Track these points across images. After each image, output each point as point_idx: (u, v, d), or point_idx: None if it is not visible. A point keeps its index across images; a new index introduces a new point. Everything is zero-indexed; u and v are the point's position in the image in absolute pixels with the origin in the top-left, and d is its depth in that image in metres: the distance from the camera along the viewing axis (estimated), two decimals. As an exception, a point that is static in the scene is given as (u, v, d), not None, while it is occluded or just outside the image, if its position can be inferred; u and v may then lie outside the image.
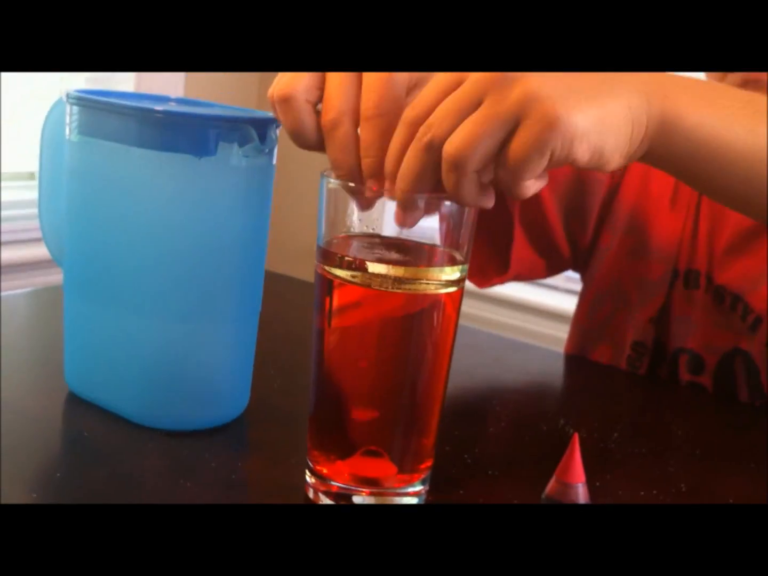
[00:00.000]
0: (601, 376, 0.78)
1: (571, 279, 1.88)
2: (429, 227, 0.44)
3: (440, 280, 0.44)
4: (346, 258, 0.44)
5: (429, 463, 0.47)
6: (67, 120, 0.54)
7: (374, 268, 0.43)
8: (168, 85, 2.00)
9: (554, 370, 0.76)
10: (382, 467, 0.46)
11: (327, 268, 0.45)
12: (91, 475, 0.48)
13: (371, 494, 0.46)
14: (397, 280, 0.43)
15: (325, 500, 0.46)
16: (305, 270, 0.69)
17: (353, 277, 0.44)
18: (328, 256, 0.45)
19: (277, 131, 0.53)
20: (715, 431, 0.67)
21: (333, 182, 0.44)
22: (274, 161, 0.54)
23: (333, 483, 0.46)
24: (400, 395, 0.45)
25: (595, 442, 0.60)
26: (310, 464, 0.47)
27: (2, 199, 1.76)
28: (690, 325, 0.78)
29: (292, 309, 0.83)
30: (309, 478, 0.47)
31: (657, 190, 0.81)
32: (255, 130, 0.51)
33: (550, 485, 0.44)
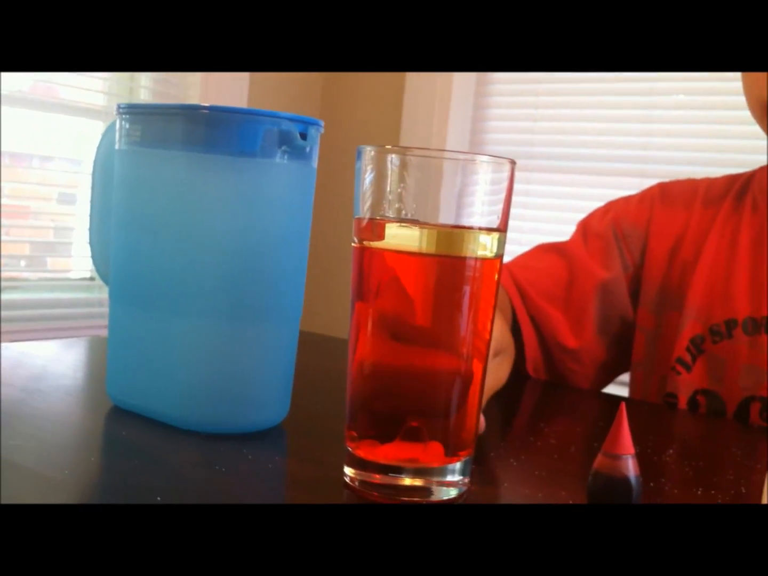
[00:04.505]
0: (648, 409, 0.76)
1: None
2: (467, 203, 0.44)
3: (479, 247, 0.44)
4: (384, 224, 0.44)
5: (470, 450, 0.46)
6: (117, 133, 0.56)
7: (412, 232, 0.43)
8: (233, 85, 2.02)
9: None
10: (422, 447, 0.44)
11: (363, 241, 0.45)
12: (126, 464, 0.47)
13: (413, 479, 0.44)
14: (435, 245, 0.43)
15: (364, 488, 0.45)
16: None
17: (390, 245, 0.43)
18: (364, 228, 0.45)
19: (319, 132, 0.54)
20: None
21: (370, 149, 0.44)
22: (315, 163, 0.55)
23: (373, 473, 0.44)
24: (436, 368, 0.44)
25: (647, 457, 0.57)
26: (349, 449, 0.46)
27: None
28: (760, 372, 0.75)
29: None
30: (348, 470, 0.46)
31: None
32: (296, 128, 0.52)
33: (598, 460, 0.42)
